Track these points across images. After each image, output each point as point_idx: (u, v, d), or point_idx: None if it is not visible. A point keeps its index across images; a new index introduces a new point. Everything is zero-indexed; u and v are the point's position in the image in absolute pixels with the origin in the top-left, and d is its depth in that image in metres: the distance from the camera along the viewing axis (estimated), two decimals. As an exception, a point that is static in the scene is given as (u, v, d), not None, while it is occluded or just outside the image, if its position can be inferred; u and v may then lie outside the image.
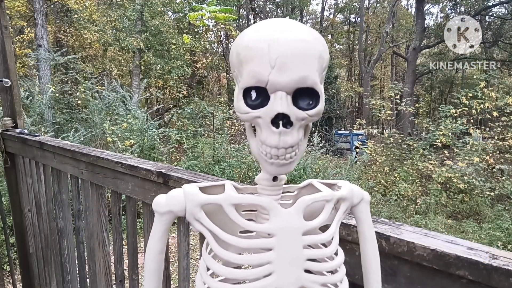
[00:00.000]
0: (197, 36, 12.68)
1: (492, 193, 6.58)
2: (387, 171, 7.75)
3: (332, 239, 0.57)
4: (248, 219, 0.60)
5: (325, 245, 0.60)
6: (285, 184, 0.62)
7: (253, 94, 0.51)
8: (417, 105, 9.46)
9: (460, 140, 7.52)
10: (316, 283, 0.54)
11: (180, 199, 0.55)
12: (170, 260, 1.08)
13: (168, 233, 0.60)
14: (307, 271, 0.54)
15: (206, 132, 8.91)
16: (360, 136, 12.65)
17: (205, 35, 13.81)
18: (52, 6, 11.93)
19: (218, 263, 0.56)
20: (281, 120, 0.49)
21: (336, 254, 0.59)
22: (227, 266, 0.55)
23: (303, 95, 0.50)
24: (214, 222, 0.54)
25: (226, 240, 0.53)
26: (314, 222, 0.54)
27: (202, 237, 0.62)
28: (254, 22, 14.42)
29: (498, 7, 15.65)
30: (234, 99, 0.54)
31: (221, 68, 17.68)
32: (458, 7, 16.52)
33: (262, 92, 0.50)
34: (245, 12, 22.55)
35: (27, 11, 11.05)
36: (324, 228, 0.58)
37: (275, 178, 0.57)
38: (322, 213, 0.56)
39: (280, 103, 0.48)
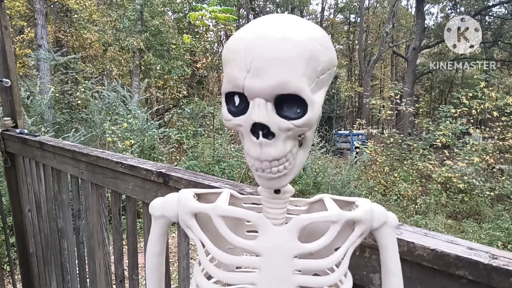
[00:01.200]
0: (197, 36, 12.69)
1: (492, 193, 6.59)
2: (387, 171, 7.76)
3: (339, 265, 0.50)
4: (252, 230, 0.57)
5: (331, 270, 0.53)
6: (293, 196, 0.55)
7: (236, 100, 0.46)
8: (417, 105, 9.48)
9: (460, 140, 7.53)
10: None
11: (174, 205, 0.54)
12: (170, 260, 1.08)
13: (165, 236, 0.59)
14: None
15: (206, 132, 8.92)
16: (360, 136, 12.65)
17: (205, 35, 13.81)
18: (52, 6, 11.93)
19: (205, 278, 0.54)
20: (261, 130, 0.44)
21: (341, 282, 0.52)
22: (214, 283, 0.53)
23: (289, 103, 0.44)
24: (208, 231, 0.52)
25: (212, 254, 0.50)
26: (311, 245, 0.48)
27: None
28: (254, 22, 14.38)
29: (498, 7, 15.66)
30: None
31: (221, 68, 17.67)
32: (458, 7, 16.52)
33: (245, 98, 0.44)
34: (245, 12, 22.57)
35: (27, 11, 11.05)
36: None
37: (277, 191, 0.51)
38: (324, 236, 0.49)
39: (257, 111, 0.43)
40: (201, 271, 0.55)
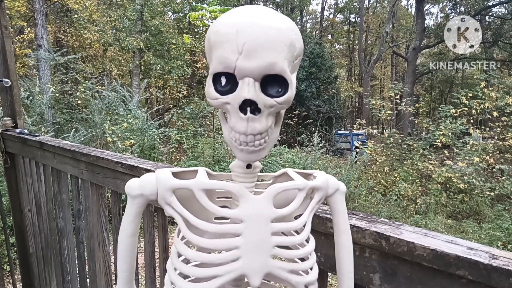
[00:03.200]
0: (197, 36, 12.68)
1: (492, 193, 6.58)
2: (387, 171, 7.75)
3: (304, 227, 0.58)
4: (223, 206, 0.61)
5: (297, 233, 0.60)
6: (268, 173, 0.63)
7: (223, 80, 0.51)
8: (417, 105, 9.47)
9: (460, 140, 7.52)
10: (283, 270, 0.54)
11: (152, 183, 0.55)
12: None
13: (140, 216, 0.60)
14: (276, 257, 0.55)
15: (206, 132, 8.91)
16: (360, 136, 12.64)
17: (205, 35, 13.79)
18: (52, 6, 11.93)
19: (188, 247, 0.56)
20: (249, 106, 0.49)
21: (307, 241, 0.59)
22: (197, 251, 0.55)
23: (272, 83, 0.50)
24: (187, 207, 0.55)
25: (195, 224, 0.53)
26: (284, 210, 0.55)
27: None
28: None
29: (498, 7, 15.66)
30: (205, 85, 0.54)
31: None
32: (458, 7, 16.51)
33: (231, 78, 0.50)
34: (245, 12, 22.53)
35: (27, 11, 11.04)
36: (298, 217, 0.59)
37: (248, 166, 0.57)
38: (293, 201, 0.56)
39: (247, 89, 0.48)
40: (182, 241, 0.57)
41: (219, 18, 0.51)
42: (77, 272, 1.70)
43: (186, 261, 0.60)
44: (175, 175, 0.58)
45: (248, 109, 0.49)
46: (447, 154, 7.52)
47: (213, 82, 0.52)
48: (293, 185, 0.56)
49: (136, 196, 0.57)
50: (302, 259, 0.60)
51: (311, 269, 0.59)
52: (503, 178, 6.89)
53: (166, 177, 0.55)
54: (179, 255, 0.58)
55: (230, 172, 0.61)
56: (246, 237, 0.52)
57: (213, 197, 0.63)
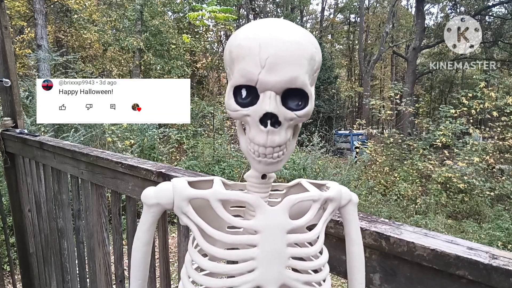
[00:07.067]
0: (197, 36, 12.69)
1: (492, 193, 6.58)
2: (387, 171, 7.75)
3: (318, 238, 0.58)
4: (236, 215, 0.61)
5: (311, 244, 0.60)
6: (277, 182, 0.63)
7: (244, 93, 0.51)
8: (417, 105, 9.47)
9: (460, 140, 7.52)
10: (298, 281, 0.54)
11: (169, 192, 0.56)
12: (170, 260, 1.08)
13: (155, 225, 0.60)
14: (291, 269, 0.55)
15: (206, 132, 8.91)
16: (360, 136, 12.65)
17: (205, 35, 13.81)
18: (52, 6, 11.93)
19: (203, 257, 0.56)
20: (270, 119, 0.50)
21: (320, 253, 0.60)
22: (212, 261, 0.56)
23: (292, 96, 0.50)
24: (202, 216, 0.55)
25: (211, 235, 0.53)
26: (300, 221, 0.55)
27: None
28: (254, 22, 14.41)
29: (498, 7, 15.67)
30: (225, 96, 0.54)
31: (221, 68, 17.67)
32: (458, 7, 16.52)
33: (252, 91, 0.50)
34: (245, 12, 22.56)
35: (27, 11, 11.05)
36: (311, 228, 0.58)
37: (263, 176, 0.58)
38: (308, 213, 0.56)
39: (268, 102, 0.49)
40: (197, 250, 0.57)
41: (239, 31, 0.51)
42: (77, 272, 1.70)
43: (200, 270, 0.60)
44: (191, 184, 0.58)
45: (269, 122, 0.50)
46: (447, 154, 7.52)
47: (233, 94, 0.52)
48: (308, 196, 0.57)
49: (153, 205, 0.57)
50: (315, 271, 0.60)
51: (323, 280, 0.59)
52: (503, 178, 6.89)
53: (183, 186, 0.55)
54: (193, 263, 0.58)
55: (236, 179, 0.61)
56: (262, 248, 0.52)
57: (227, 206, 0.63)
